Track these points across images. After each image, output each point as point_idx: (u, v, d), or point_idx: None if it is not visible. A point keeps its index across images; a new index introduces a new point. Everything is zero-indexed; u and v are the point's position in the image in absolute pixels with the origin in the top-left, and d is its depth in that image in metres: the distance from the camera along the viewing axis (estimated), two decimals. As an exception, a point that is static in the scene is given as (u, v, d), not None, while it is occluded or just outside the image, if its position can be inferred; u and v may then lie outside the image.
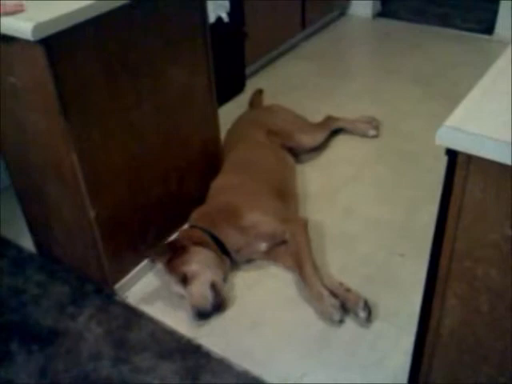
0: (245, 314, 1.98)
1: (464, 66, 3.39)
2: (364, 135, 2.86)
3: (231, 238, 2.07)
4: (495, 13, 3.71)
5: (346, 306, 1.92)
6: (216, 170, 2.33)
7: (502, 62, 1.21)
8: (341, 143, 2.85)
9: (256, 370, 1.79)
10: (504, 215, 1.08)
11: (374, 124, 2.88)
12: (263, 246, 2.12)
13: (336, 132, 2.88)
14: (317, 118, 2.85)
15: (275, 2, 3.37)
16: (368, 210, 2.41)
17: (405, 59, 3.62)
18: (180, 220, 2.20)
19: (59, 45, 1.57)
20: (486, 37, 3.80)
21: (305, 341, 1.87)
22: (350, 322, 1.91)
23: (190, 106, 2.14)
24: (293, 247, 2.06)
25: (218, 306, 1.96)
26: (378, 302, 1.95)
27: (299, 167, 2.65)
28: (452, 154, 1.07)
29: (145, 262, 2.14)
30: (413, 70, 3.47)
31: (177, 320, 1.98)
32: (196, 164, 2.26)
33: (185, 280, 1.94)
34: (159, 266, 2.09)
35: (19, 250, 2.33)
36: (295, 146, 2.66)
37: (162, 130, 2.04)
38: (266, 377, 1.77)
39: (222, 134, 2.49)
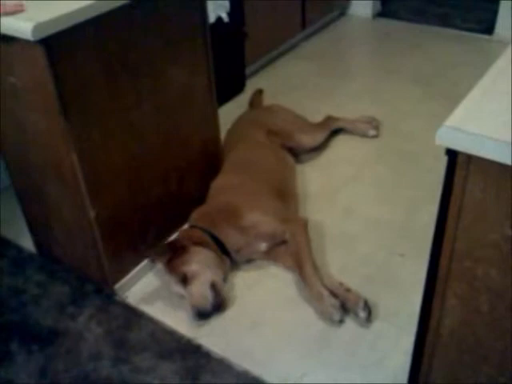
0: (245, 313, 1.98)
1: (464, 66, 3.39)
2: (364, 135, 2.86)
3: (231, 238, 2.07)
4: (495, 13, 3.71)
5: (346, 306, 1.92)
6: (216, 170, 2.33)
7: (501, 62, 1.21)
8: (341, 143, 2.85)
9: (256, 370, 1.79)
10: (504, 215, 1.08)
11: (374, 124, 2.88)
12: (263, 246, 2.12)
13: (336, 132, 2.88)
14: (317, 117, 2.85)
15: (275, 2, 3.37)
16: (368, 210, 2.41)
17: (405, 59, 3.62)
18: (180, 220, 2.20)
19: (59, 45, 1.57)
20: (485, 37, 3.80)
21: (305, 341, 1.87)
22: (349, 322, 1.91)
23: (190, 106, 2.14)
24: (293, 247, 2.06)
25: (218, 306, 1.96)
26: (378, 302, 1.95)
27: (299, 167, 2.65)
28: (452, 154, 1.07)
29: (145, 262, 2.14)
30: (413, 70, 3.47)
31: (177, 320, 1.98)
32: (196, 164, 2.26)
33: (185, 280, 1.94)
34: (159, 266, 2.09)
35: (19, 249, 2.33)
36: (295, 145, 2.66)
37: (162, 129, 2.04)
38: (265, 377, 1.77)
39: (222, 134, 2.49)
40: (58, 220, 2.05)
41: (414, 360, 1.46)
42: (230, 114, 2.84)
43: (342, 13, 4.29)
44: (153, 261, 2.11)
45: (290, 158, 2.58)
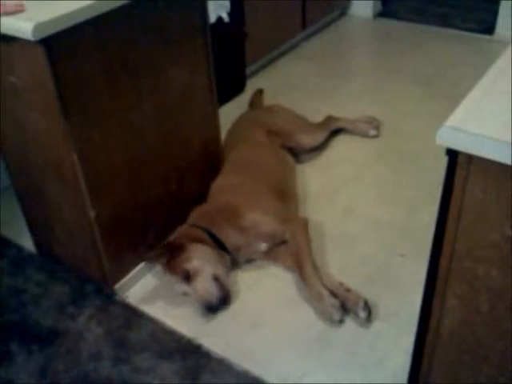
0: (245, 313, 1.98)
1: (464, 66, 3.39)
2: (364, 135, 2.86)
3: (231, 238, 2.07)
4: (495, 13, 3.71)
5: (346, 306, 1.92)
6: (216, 170, 2.33)
7: (502, 62, 1.21)
8: (341, 143, 2.85)
9: (256, 370, 1.79)
10: (504, 215, 1.08)
11: (375, 124, 2.88)
12: (263, 246, 2.12)
13: (336, 132, 2.88)
14: (317, 118, 2.85)
15: (276, 2, 3.37)
16: (368, 210, 2.40)
17: (405, 59, 3.62)
18: (180, 220, 2.19)
19: (59, 45, 1.57)
20: (486, 37, 3.80)
21: (305, 341, 1.87)
22: (349, 322, 1.91)
23: (191, 106, 2.14)
24: (293, 247, 2.06)
25: (224, 298, 1.97)
26: (378, 302, 1.95)
27: (299, 167, 2.65)
28: (452, 154, 1.07)
29: (145, 262, 2.14)
30: (413, 70, 3.47)
31: (177, 320, 1.98)
32: (196, 164, 2.26)
33: (188, 277, 1.95)
34: (158, 267, 2.09)
35: (19, 249, 2.33)
36: (295, 145, 2.66)
37: (163, 130, 2.04)
38: (265, 377, 1.77)
39: (223, 134, 2.49)
40: (58, 220, 2.05)
41: (414, 360, 1.46)
42: (230, 114, 2.84)
43: (343, 13, 4.29)
44: (151, 263, 2.10)
45: (290, 158, 2.58)
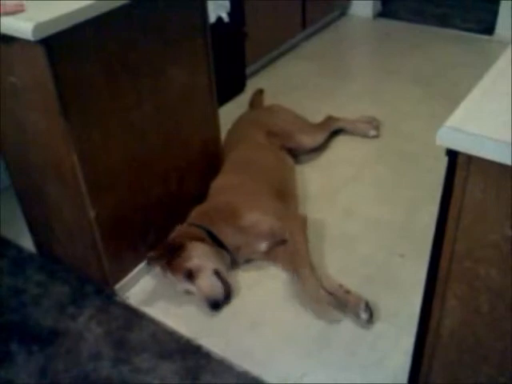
0: (245, 314, 1.98)
1: (464, 67, 3.39)
2: (364, 135, 2.86)
3: (230, 238, 2.08)
4: (495, 13, 3.71)
5: (347, 308, 1.91)
6: (216, 171, 2.33)
7: (501, 63, 1.21)
8: (341, 143, 2.85)
9: (256, 370, 1.79)
10: (504, 215, 1.08)
11: (375, 124, 2.88)
12: (263, 245, 2.12)
13: (336, 132, 2.88)
14: (317, 118, 2.85)
15: (276, 2, 3.37)
16: (368, 211, 2.40)
17: (405, 59, 3.62)
18: (180, 220, 2.19)
19: (59, 45, 1.57)
20: (486, 37, 3.80)
21: (305, 341, 1.87)
22: (349, 322, 1.91)
23: (191, 106, 2.14)
24: (291, 246, 2.06)
25: (228, 293, 1.98)
26: (378, 303, 1.95)
27: (299, 167, 2.65)
28: (452, 155, 1.07)
29: (145, 263, 2.13)
30: (413, 71, 3.47)
31: (177, 320, 1.98)
32: (196, 164, 2.26)
33: (190, 276, 1.95)
34: (157, 269, 2.09)
35: (19, 250, 2.33)
36: (295, 146, 2.66)
37: (163, 130, 2.04)
38: (265, 377, 1.77)
39: (223, 135, 2.49)
40: (58, 220, 2.05)
41: (414, 361, 1.46)
42: (230, 114, 2.84)
43: (343, 13, 4.29)
44: (152, 264, 2.10)
45: (289, 159, 2.58)
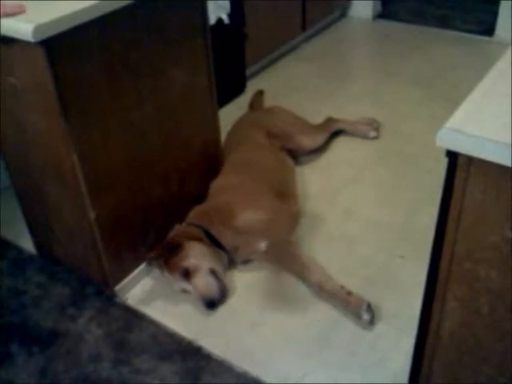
0: (245, 314, 1.98)
1: (464, 68, 3.39)
2: (364, 137, 2.86)
3: (228, 238, 2.08)
4: (495, 14, 3.71)
5: (348, 310, 1.92)
6: (216, 172, 2.34)
7: (502, 64, 1.21)
8: (341, 145, 2.85)
9: (256, 371, 1.79)
10: (504, 217, 1.08)
11: (375, 126, 2.88)
12: (263, 245, 2.12)
13: (336, 134, 2.88)
14: (317, 119, 2.85)
15: (276, 3, 3.37)
16: (368, 212, 2.40)
17: (405, 61, 3.62)
18: (180, 221, 2.20)
19: (60, 46, 1.57)
20: (486, 38, 3.80)
21: (305, 341, 1.87)
22: (349, 322, 1.91)
23: (191, 107, 2.14)
24: (294, 266, 2.07)
25: (224, 292, 1.99)
26: (378, 304, 1.95)
27: (299, 169, 2.65)
28: (452, 156, 1.07)
29: (145, 264, 2.14)
30: (413, 72, 3.47)
31: (177, 322, 1.97)
32: (196, 165, 2.26)
33: (187, 275, 1.96)
34: (156, 269, 2.09)
35: (19, 251, 2.33)
36: (295, 147, 2.66)
37: (163, 130, 2.04)
38: (265, 377, 1.77)
39: (223, 136, 2.49)
40: (59, 221, 2.05)
41: (415, 362, 1.46)
42: (230, 115, 2.84)
43: (343, 14, 4.30)
44: (152, 264, 2.11)
45: (289, 160, 2.58)
